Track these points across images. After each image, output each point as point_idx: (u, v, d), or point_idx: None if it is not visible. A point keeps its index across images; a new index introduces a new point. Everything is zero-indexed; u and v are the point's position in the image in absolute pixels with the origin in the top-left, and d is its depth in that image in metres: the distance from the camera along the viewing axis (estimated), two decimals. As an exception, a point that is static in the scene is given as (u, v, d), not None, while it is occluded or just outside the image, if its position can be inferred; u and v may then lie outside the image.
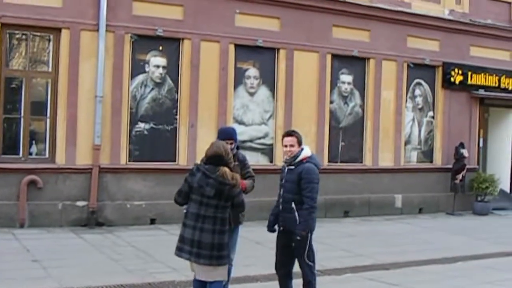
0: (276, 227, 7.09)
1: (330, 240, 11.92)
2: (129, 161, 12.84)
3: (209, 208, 6.07)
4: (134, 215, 12.76)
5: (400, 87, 16.11)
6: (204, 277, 6.17)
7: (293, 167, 6.85)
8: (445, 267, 10.33)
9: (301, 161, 6.84)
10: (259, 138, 14.24)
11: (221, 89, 13.64)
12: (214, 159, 6.12)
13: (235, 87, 13.93)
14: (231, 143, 7.01)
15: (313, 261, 6.96)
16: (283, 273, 7.08)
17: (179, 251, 6.17)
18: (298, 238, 6.71)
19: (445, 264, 10.56)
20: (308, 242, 6.85)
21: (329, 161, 15.10)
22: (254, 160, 13.47)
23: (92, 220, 12.22)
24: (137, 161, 12.93)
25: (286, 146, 6.97)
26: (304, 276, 6.95)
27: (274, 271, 7.24)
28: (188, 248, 6.09)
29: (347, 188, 15.26)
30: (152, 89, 13.06)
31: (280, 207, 6.91)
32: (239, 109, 14.08)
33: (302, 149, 6.91)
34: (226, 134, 7.19)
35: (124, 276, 8.51)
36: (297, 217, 6.73)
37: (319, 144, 14.86)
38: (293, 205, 6.75)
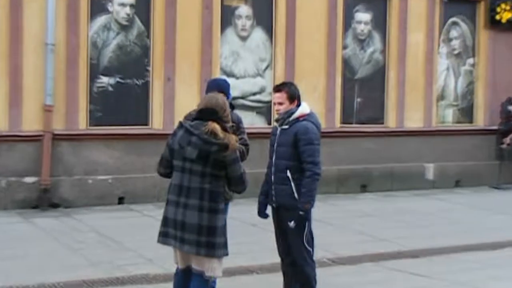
0: (268, 210, 7.25)
1: (343, 221, 11.98)
2: (90, 125, 12.87)
3: (194, 177, 5.97)
4: (97, 193, 12.83)
5: (431, 28, 16.04)
6: (192, 263, 6.09)
7: (287, 126, 7.00)
8: (486, 255, 10.40)
9: (297, 119, 7.00)
10: (254, 94, 14.32)
11: (205, 32, 13.62)
12: (204, 113, 6.05)
13: (223, 30, 13.92)
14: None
15: (312, 246, 7.09)
16: (289, 262, 7.17)
17: (164, 237, 6.11)
18: (301, 213, 6.81)
19: (486, 250, 10.62)
20: (308, 221, 6.97)
21: (342, 123, 15.11)
22: (248, 121, 13.20)
23: (45, 201, 12.28)
24: (100, 125, 12.96)
25: (275, 103, 7.20)
26: (300, 265, 7.05)
27: (272, 261, 7.50)
28: (172, 231, 6.03)
29: (364, 156, 15.25)
30: (118, 33, 13.09)
31: (272, 177, 7.04)
32: (228, 58, 14.06)
33: (298, 106, 7.06)
34: (217, 86, 7.21)
35: (87, 270, 8.54)
36: (294, 189, 6.87)
37: (330, 101, 14.87)
38: (288, 173, 6.89)
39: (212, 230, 5.95)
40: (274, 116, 13.58)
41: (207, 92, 7.08)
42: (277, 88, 7.21)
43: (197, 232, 5.91)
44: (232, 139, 6.00)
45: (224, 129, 6.00)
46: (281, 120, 7.09)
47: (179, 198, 5.99)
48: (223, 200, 6.14)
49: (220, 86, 7.31)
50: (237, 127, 7.23)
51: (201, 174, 5.95)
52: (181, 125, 6.16)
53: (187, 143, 5.97)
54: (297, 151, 6.88)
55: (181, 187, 6.00)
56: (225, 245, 6.09)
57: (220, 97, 6.25)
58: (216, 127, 5.93)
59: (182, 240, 5.96)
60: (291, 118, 7.00)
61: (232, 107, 7.21)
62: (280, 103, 7.07)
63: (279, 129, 7.09)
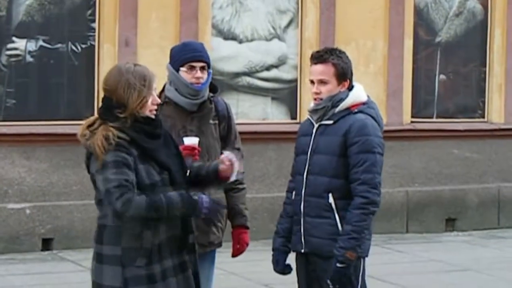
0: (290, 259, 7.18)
1: (416, 278, 11.84)
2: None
3: None
4: (8, 232, 12.75)
5: None
6: None
7: (330, 122, 6.92)
8: None
9: (348, 110, 6.89)
10: (268, 69, 14.15)
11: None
12: (102, 103, 5.97)
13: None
14: (201, 68, 7.05)
15: None
16: None
17: None
18: (339, 265, 6.65)
19: None
20: (359, 278, 6.85)
21: (414, 116, 15.01)
22: (258, 114, 14.06)
23: None
24: (12, 121, 13.00)
25: (312, 82, 6.99)
26: None
27: None
28: None
29: (452, 171, 15.15)
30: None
31: (301, 205, 6.93)
32: (225, 8, 13.91)
33: (350, 89, 6.93)
34: (191, 51, 7.19)
35: None
36: (339, 225, 6.79)
37: (393, 80, 14.72)
38: (330, 199, 6.81)
39: None
40: (304, 104, 13.73)
41: (172, 62, 7.18)
42: (320, 58, 7.00)
43: None
44: (97, 136, 5.67)
45: (106, 123, 5.71)
46: (322, 111, 6.91)
47: None
48: (116, 240, 5.86)
49: (196, 51, 7.32)
50: (228, 124, 7.34)
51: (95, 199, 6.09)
52: None
53: None
54: (346, 162, 6.77)
55: None
56: None
57: (120, 69, 5.82)
58: (84, 122, 5.94)
59: None
60: (338, 109, 6.86)
61: (213, 87, 7.34)
62: (323, 82, 6.89)
63: (316, 126, 6.95)
